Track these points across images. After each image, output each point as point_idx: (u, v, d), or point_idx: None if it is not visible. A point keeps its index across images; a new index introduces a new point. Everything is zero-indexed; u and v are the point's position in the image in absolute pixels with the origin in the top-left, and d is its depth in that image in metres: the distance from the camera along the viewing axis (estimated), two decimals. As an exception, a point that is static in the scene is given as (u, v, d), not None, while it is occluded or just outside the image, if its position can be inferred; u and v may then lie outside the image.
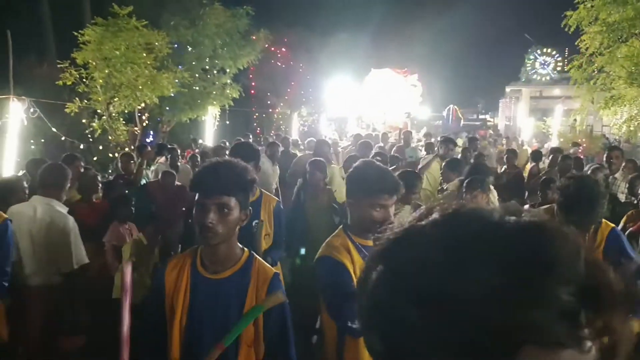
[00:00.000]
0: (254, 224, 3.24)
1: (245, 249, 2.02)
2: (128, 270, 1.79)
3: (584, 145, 13.82)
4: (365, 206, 2.17)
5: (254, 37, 14.13)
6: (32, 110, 7.80)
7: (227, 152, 6.96)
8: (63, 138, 9.20)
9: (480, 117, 40.80)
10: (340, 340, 2.14)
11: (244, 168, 1.96)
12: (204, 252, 1.96)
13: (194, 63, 11.78)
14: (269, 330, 1.92)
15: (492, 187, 4.11)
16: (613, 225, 2.88)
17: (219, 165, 1.95)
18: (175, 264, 1.99)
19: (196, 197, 1.88)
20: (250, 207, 1.96)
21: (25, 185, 4.04)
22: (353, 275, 2.10)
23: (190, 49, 11.74)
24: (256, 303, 1.91)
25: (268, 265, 2.06)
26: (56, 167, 3.81)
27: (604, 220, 2.86)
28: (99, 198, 4.98)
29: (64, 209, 3.66)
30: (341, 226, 2.33)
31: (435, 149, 7.57)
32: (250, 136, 13.08)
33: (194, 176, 1.99)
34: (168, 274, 1.95)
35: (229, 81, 12.95)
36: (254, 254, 2.04)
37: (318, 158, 5.16)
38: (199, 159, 8.61)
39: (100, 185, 4.89)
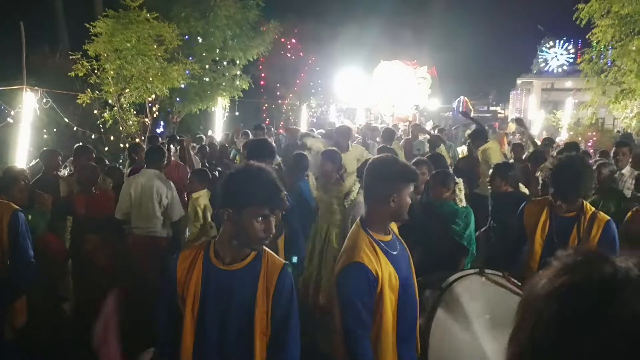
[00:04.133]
0: None
1: None
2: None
3: (594, 139, 13.71)
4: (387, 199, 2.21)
5: (263, 29, 14.13)
6: (44, 100, 7.92)
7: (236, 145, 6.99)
8: (75, 128, 9.33)
9: (491, 108, 40.48)
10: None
11: (268, 177, 2.00)
12: (218, 244, 2.01)
13: (204, 54, 11.81)
14: (277, 312, 1.98)
15: (457, 179, 4.12)
16: (609, 217, 2.96)
17: (275, 180, 1.98)
18: (187, 254, 2.04)
19: (253, 208, 1.91)
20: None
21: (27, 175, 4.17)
22: (377, 276, 2.14)
23: (200, 40, 11.77)
24: (265, 295, 1.98)
25: (277, 257, 2.11)
26: (157, 148, 5.36)
27: (600, 212, 2.97)
28: (104, 189, 5.00)
29: (163, 177, 4.89)
30: (358, 221, 2.33)
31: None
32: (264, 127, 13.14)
33: (265, 189, 1.95)
34: (180, 264, 2.01)
35: (238, 72, 12.97)
36: (264, 246, 2.09)
37: (332, 148, 5.02)
38: (207, 151, 8.72)
39: (100, 176, 4.94)
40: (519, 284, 2.74)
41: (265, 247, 2.08)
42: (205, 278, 1.97)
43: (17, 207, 2.94)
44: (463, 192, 3.97)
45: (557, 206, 2.96)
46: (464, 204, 3.96)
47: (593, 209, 2.98)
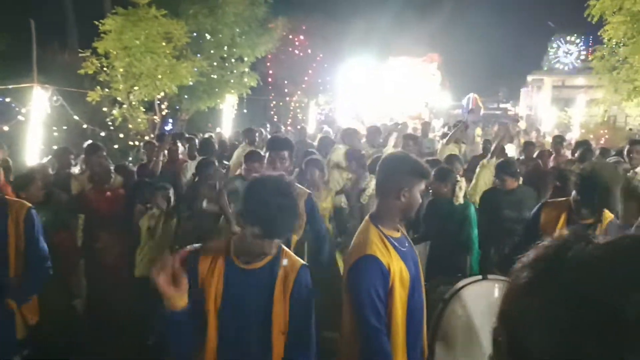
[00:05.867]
0: None
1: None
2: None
3: (606, 136, 13.58)
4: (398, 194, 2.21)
5: (271, 25, 14.12)
6: (54, 98, 7.97)
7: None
8: (85, 126, 9.37)
9: (501, 106, 40.21)
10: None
11: (295, 196, 2.01)
12: (237, 243, 2.02)
13: (212, 52, 11.83)
14: (294, 311, 1.99)
15: (459, 178, 4.11)
16: (613, 215, 2.94)
17: (289, 211, 1.95)
18: (209, 250, 2.05)
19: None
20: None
21: (51, 172, 4.20)
22: (389, 269, 2.12)
23: (208, 37, 11.78)
24: (283, 294, 1.99)
25: (296, 257, 2.12)
26: (207, 140, 6.44)
27: (605, 210, 2.91)
28: (114, 186, 5.04)
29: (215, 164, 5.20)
30: (367, 217, 2.33)
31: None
32: (269, 125, 13.15)
33: (272, 221, 1.93)
34: (202, 260, 2.01)
35: (246, 69, 12.98)
36: (283, 245, 2.11)
37: (314, 157, 4.99)
38: (216, 147, 8.74)
39: (112, 175, 4.97)
40: None
41: (284, 247, 2.09)
42: (226, 277, 1.98)
43: (31, 204, 2.97)
44: (463, 191, 3.97)
45: (576, 211, 2.89)
46: (460, 201, 3.94)
47: (611, 216, 2.91)
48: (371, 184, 3.95)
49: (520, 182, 4.86)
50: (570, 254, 0.61)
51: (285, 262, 2.05)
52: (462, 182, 4.03)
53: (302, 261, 2.09)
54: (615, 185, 2.79)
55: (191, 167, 6.22)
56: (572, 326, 0.56)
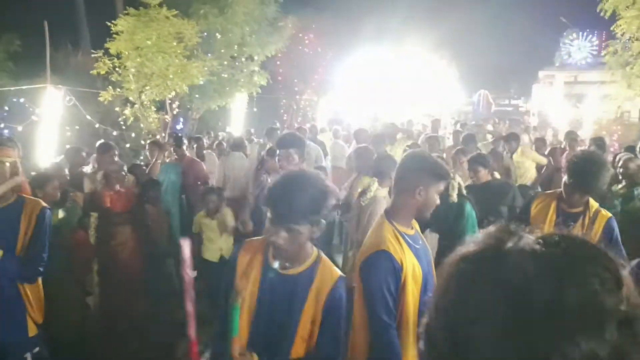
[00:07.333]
0: None
1: (315, 248, 2.06)
2: (187, 245, 1.84)
3: (619, 132, 13.42)
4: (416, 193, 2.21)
5: (282, 24, 14.14)
6: (67, 98, 8.07)
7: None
8: (97, 125, 9.47)
9: (513, 102, 39.87)
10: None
11: (317, 186, 1.90)
12: (275, 246, 1.97)
13: (222, 51, 11.87)
14: (325, 323, 1.96)
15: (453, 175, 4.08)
16: (611, 215, 3.04)
17: (293, 189, 1.87)
18: (249, 248, 2.06)
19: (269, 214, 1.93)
20: (324, 217, 1.93)
21: (67, 172, 4.27)
22: (402, 265, 2.13)
23: (219, 37, 11.83)
24: (315, 304, 1.96)
25: (334, 267, 2.07)
26: (239, 138, 7.38)
27: (602, 209, 3.05)
28: (127, 185, 5.11)
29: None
30: (382, 213, 2.34)
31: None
32: (277, 123, 13.19)
33: (269, 193, 1.94)
34: (241, 257, 2.03)
35: (256, 68, 13.02)
36: (322, 254, 2.08)
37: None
38: (225, 146, 8.79)
39: (125, 175, 5.05)
40: None
41: (323, 256, 2.06)
42: (262, 278, 1.99)
43: (46, 204, 3.03)
44: (456, 189, 3.95)
45: (564, 200, 3.05)
46: (454, 199, 3.93)
47: (596, 205, 3.05)
48: (373, 186, 3.95)
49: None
50: (506, 248, 0.64)
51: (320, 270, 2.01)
52: (456, 180, 4.00)
53: (339, 272, 2.06)
54: (603, 169, 2.94)
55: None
56: (511, 318, 0.58)
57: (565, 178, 3.04)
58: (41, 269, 2.91)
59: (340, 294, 2.00)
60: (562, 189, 3.07)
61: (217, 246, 4.89)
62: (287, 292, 1.97)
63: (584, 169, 2.93)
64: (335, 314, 1.98)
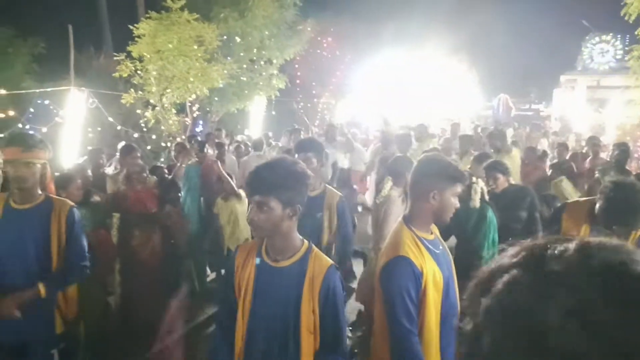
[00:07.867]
0: (318, 216, 3.38)
1: (305, 240, 2.12)
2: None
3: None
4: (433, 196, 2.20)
5: (300, 28, 14.19)
6: (90, 100, 8.22)
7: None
8: (119, 127, 9.62)
9: (533, 107, 39.31)
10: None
11: (289, 168, 2.01)
12: (267, 241, 2.09)
13: (242, 54, 11.97)
14: (323, 311, 2.01)
15: (476, 179, 3.97)
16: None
17: (264, 166, 2.03)
18: (245, 248, 2.16)
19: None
20: (300, 203, 2.00)
21: (90, 173, 4.34)
22: (422, 271, 2.11)
23: (238, 40, 11.93)
24: (311, 293, 2.01)
25: (325, 257, 2.13)
26: (260, 140, 6.87)
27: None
28: (148, 186, 5.17)
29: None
30: (401, 218, 2.32)
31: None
32: (296, 125, 13.21)
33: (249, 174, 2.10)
34: (238, 257, 2.12)
35: (275, 72, 13.09)
36: (313, 245, 2.13)
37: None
38: (243, 149, 8.86)
39: (147, 176, 5.11)
40: None
41: (314, 247, 2.12)
42: (257, 273, 2.05)
43: (73, 203, 3.09)
44: (479, 194, 3.85)
45: (604, 225, 2.80)
46: (477, 204, 3.83)
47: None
48: (387, 185, 3.93)
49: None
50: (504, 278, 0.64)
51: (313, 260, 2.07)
52: (479, 185, 3.89)
53: (330, 261, 2.10)
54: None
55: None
56: (504, 334, 0.60)
57: (598, 211, 2.80)
58: (87, 271, 2.98)
59: (335, 281, 2.04)
60: (597, 212, 2.83)
61: (244, 236, 4.99)
62: (282, 285, 2.02)
63: (621, 211, 2.66)
64: (331, 301, 2.02)
